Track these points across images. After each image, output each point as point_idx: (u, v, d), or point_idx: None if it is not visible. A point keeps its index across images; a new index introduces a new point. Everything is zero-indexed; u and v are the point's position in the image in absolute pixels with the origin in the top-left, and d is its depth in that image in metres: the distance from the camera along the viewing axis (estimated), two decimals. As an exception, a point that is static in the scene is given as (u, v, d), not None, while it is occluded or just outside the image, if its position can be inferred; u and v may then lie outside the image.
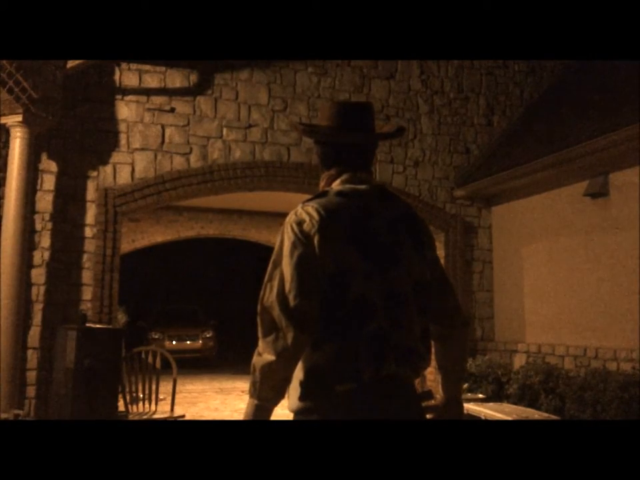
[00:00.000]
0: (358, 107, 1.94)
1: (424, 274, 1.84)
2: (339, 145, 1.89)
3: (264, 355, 1.68)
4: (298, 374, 1.72)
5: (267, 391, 1.71)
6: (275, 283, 1.72)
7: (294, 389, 1.74)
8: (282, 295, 1.69)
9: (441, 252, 7.62)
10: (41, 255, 5.99)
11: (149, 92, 6.68)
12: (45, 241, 6.03)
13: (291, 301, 1.67)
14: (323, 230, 1.71)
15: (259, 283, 1.97)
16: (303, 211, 1.76)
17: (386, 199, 1.87)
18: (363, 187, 1.84)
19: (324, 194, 1.82)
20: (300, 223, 1.73)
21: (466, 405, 6.10)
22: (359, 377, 1.67)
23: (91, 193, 6.34)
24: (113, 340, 5.32)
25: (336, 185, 1.86)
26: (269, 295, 1.72)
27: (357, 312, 1.70)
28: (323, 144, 1.92)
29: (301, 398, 1.73)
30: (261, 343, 1.70)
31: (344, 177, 1.87)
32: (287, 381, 1.72)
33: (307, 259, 1.69)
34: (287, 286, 1.69)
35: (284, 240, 1.74)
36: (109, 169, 6.44)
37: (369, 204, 1.81)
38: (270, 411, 1.75)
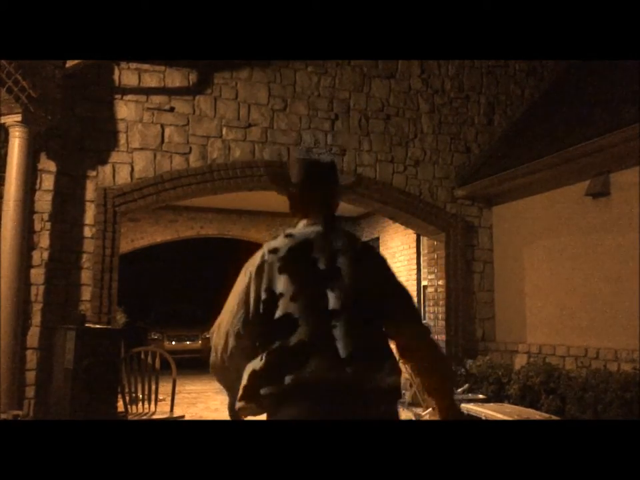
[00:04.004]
0: (320, 166, 2.32)
1: (371, 292, 2.13)
2: (297, 198, 2.31)
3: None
4: (243, 378, 2.08)
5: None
6: (225, 312, 2.21)
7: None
8: (221, 322, 2.25)
9: (441, 252, 7.62)
10: (39, 255, 5.97)
11: (148, 91, 6.66)
12: (44, 241, 6.01)
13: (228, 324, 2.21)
14: (262, 265, 2.13)
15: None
16: (256, 254, 2.20)
17: (331, 235, 2.20)
18: (310, 227, 2.22)
19: (277, 237, 2.25)
20: (248, 266, 2.19)
21: (467, 406, 6.08)
22: (280, 382, 1.97)
23: (90, 193, 6.32)
24: (112, 340, 5.31)
25: (290, 229, 2.27)
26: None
27: (282, 328, 2.02)
28: (290, 199, 2.34)
29: (239, 398, 2.11)
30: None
31: (300, 222, 2.28)
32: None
33: (243, 290, 2.13)
34: (227, 314, 2.18)
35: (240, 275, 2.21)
36: (108, 168, 6.43)
37: (309, 239, 2.18)
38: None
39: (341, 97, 7.36)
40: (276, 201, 9.85)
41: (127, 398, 5.39)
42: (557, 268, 6.61)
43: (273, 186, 2.50)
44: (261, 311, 2.08)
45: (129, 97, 6.59)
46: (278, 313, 2.05)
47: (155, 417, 5.33)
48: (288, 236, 2.20)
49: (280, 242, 2.19)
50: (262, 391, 2.01)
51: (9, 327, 5.27)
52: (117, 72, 6.57)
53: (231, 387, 2.21)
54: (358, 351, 1.99)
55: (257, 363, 2.04)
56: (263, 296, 2.09)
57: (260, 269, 2.13)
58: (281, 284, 2.08)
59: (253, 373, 2.04)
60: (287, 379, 1.97)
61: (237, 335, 2.13)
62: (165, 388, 6.15)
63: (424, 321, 2.21)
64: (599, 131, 5.84)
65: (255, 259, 2.17)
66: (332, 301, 2.06)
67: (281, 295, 2.07)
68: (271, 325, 2.06)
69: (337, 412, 1.96)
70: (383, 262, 2.26)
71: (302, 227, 2.25)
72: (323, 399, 1.97)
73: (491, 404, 6.10)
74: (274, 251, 2.15)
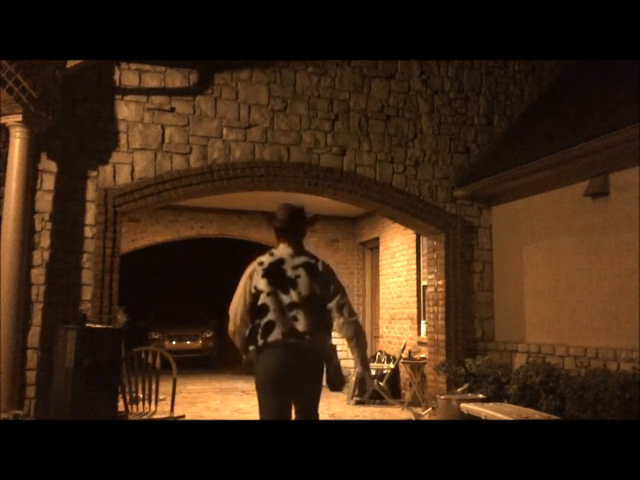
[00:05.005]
0: (294, 209, 3.69)
1: (320, 293, 3.50)
2: (279, 230, 3.66)
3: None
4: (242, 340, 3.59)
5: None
6: (233, 300, 3.60)
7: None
8: (232, 305, 3.59)
9: (441, 252, 7.63)
10: (40, 255, 5.98)
11: (148, 92, 6.66)
12: (45, 241, 6.02)
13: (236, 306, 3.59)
14: (253, 272, 3.56)
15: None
16: (252, 264, 3.61)
17: (297, 254, 3.59)
18: (285, 249, 3.61)
19: (265, 253, 3.66)
20: (246, 271, 3.59)
21: (467, 405, 6.10)
22: (256, 342, 3.44)
23: (90, 193, 6.33)
24: (112, 340, 5.32)
25: (273, 249, 3.67)
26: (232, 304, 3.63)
27: (260, 311, 3.45)
28: (274, 230, 3.70)
29: (242, 351, 3.61)
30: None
31: (278, 245, 3.66)
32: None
33: (243, 287, 3.55)
34: (234, 301, 3.58)
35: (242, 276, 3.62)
36: (108, 168, 6.43)
37: (283, 257, 3.57)
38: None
39: (341, 98, 7.36)
40: (277, 201, 9.85)
41: (128, 397, 5.40)
42: (556, 268, 6.62)
43: (267, 223, 3.84)
44: (251, 300, 3.50)
45: (130, 97, 6.60)
46: (259, 302, 3.47)
47: (155, 416, 5.34)
48: (271, 254, 3.61)
49: (266, 257, 3.60)
50: (249, 348, 3.48)
51: (10, 326, 5.28)
52: (117, 72, 6.58)
53: (239, 345, 3.57)
54: (311, 327, 3.41)
55: (247, 331, 3.50)
56: (253, 291, 3.51)
57: (252, 274, 3.56)
58: (262, 285, 3.48)
59: (245, 337, 3.51)
60: (260, 341, 3.41)
61: (242, 313, 3.51)
62: (165, 387, 6.15)
63: (355, 316, 3.64)
64: (599, 131, 5.84)
65: (250, 268, 3.59)
66: (293, 296, 3.45)
67: (262, 291, 3.47)
68: (255, 309, 3.47)
69: (292, 361, 3.35)
70: (330, 271, 3.65)
71: (280, 248, 3.63)
72: (283, 353, 3.36)
73: (491, 404, 6.11)
74: (260, 263, 3.57)
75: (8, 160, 5.47)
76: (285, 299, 3.43)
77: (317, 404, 3.49)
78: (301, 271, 3.50)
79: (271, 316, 3.39)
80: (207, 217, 11.17)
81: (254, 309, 3.46)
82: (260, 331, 3.40)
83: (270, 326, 3.38)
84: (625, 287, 5.72)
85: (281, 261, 3.53)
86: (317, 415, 3.47)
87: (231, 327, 3.56)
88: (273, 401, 3.31)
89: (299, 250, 3.61)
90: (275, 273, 3.49)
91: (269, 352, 3.37)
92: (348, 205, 8.33)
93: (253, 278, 3.50)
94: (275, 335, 3.37)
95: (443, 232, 7.59)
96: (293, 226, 3.63)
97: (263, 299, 3.44)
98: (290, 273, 3.49)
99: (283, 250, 3.60)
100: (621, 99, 6.26)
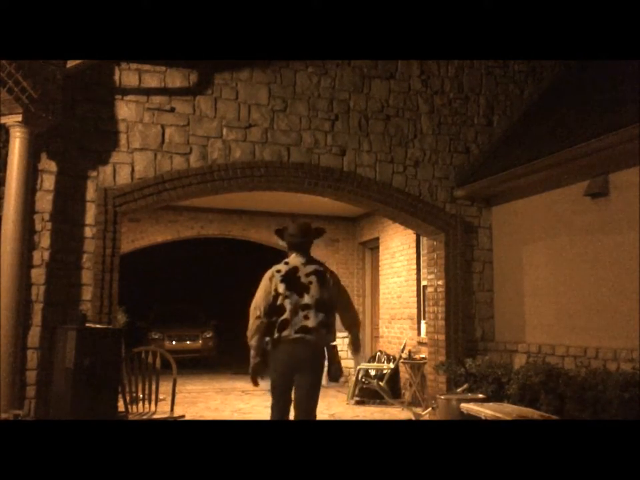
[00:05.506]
0: (303, 226, 4.53)
1: (328, 297, 4.32)
2: (291, 243, 4.49)
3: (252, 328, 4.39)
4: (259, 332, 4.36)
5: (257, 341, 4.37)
6: (255, 299, 4.37)
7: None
8: (255, 303, 4.38)
9: (441, 252, 7.63)
10: (40, 255, 5.98)
11: (148, 92, 6.66)
12: (45, 241, 6.01)
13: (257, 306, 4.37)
14: (272, 277, 4.33)
15: (258, 283, 4.46)
16: (270, 271, 4.39)
17: (308, 263, 4.40)
18: (297, 258, 4.41)
19: (281, 261, 4.46)
20: (265, 276, 4.38)
21: (466, 405, 6.09)
22: (272, 335, 4.22)
23: (90, 193, 6.33)
24: (112, 340, 5.32)
25: (287, 259, 4.46)
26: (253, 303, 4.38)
27: (278, 310, 4.23)
28: (287, 242, 4.52)
29: (254, 347, 4.35)
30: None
31: (290, 255, 4.47)
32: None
33: (265, 288, 4.33)
34: (256, 300, 4.36)
35: (262, 280, 4.40)
36: (108, 168, 6.43)
37: (297, 266, 4.37)
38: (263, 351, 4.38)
39: (341, 98, 7.36)
40: (277, 201, 9.88)
41: (128, 397, 5.40)
42: (556, 268, 6.62)
43: (278, 236, 4.62)
44: (271, 301, 4.26)
45: (130, 97, 6.60)
46: (277, 303, 4.23)
47: (155, 416, 5.34)
48: (285, 263, 4.40)
49: (281, 266, 4.38)
50: (266, 339, 4.22)
51: (10, 326, 5.28)
52: (117, 72, 6.58)
53: (255, 342, 4.30)
54: (318, 325, 4.20)
55: (264, 326, 4.24)
56: (273, 294, 4.26)
57: (271, 279, 4.32)
58: (281, 288, 4.24)
59: (263, 331, 4.25)
60: (276, 335, 4.19)
61: (262, 311, 4.26)
62: (165, 387, 6.15)
63: (358, 317, 4.73)
64: (598, 131, 5.84)
65: (270, 273, 4.35)
66: (306, 299, 4.24)
67: (280, 294, 4.24)
68: (274, 308, 4.23)
69: (300, 352, 4.14)
70: (336, 278, 4.50)
71: (292, 258, 4.42)
72: (294, 348, 4.17)
73: (491, 404, 6.11)
74: (278, 270, 4.35)
75: (8, 160, 5.47)
76: (300, 300, 4.20)
77: (316, 400, 4.11)
78: (312, 278, 4.30)
79: (287, 315, 4.18)
80: (207, 217, 11.18)
81: (273, 308, 4.21)
82: (277, 326, 4.18)
83: (285, 323, 4.18)
84: (624, 287, 5.72)
85: (295, 269, 4.33)
86: (314, 414, 4.00)
87: (250, 324, 4.29)
88: (282, 382, 4.15)
89: (308, 259, 4.43)
90: (291, 279, 4.26)
91: (282, 348, 4.17)
92: (348, 205, 8.33)
93: (272, 283, 4.27)
94: (289, 330, 4.17)
95: (443, 232, 7.59)
96: (303, 239, 4.43)
97: (281, 300, 4.22)
98: (304, 279, 4.29)
99: (295, 259, 4.39)
100: (621, 99, 6.26)
